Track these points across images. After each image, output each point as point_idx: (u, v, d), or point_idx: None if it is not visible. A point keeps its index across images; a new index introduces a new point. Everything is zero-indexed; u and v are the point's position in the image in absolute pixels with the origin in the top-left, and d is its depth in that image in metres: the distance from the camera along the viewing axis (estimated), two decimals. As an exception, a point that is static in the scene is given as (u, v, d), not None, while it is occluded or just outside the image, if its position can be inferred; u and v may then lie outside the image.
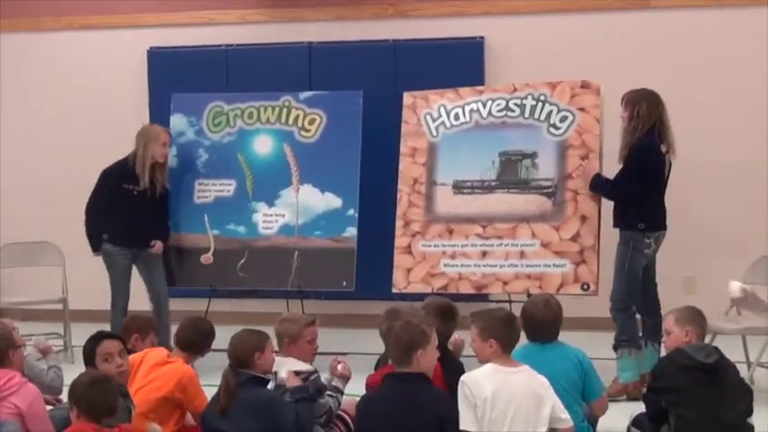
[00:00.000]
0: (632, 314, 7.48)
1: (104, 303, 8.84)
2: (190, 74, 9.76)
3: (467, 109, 8.06)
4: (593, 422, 6.18)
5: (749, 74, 9.16)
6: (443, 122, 8.11)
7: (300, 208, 8.68)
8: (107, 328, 6.04)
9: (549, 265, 7.71)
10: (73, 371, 5.41)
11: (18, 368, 5.38)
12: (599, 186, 7.54)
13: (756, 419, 5.83)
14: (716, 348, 5.97)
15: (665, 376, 5.90)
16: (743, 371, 6.78)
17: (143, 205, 8.24)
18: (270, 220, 8.81)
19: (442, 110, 8.13)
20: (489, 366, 5.30)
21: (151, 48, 10.01)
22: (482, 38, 9.58)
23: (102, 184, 8.39)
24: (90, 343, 5.52)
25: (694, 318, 6.00)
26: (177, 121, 9.22)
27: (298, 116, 9.00)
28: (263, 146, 9.03)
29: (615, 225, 7.51)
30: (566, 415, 5.24)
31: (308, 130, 8.93)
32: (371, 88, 8.78)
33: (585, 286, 7.64)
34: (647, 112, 7.42)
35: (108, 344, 5.49)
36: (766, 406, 6.67)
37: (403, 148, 8.21)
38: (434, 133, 8.13)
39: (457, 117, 8.06)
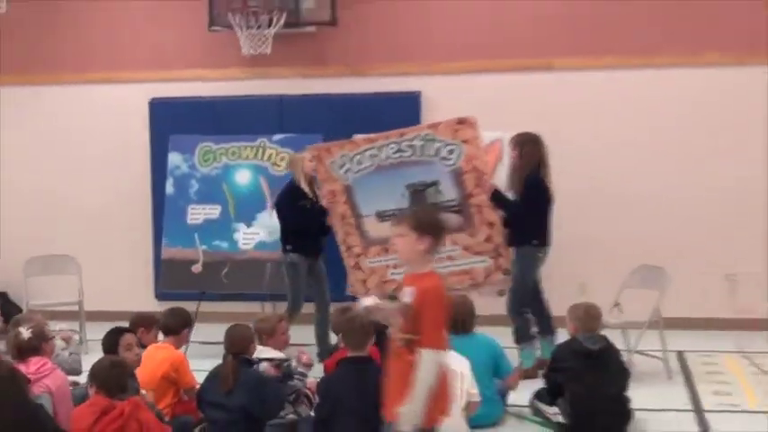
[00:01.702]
0: (527, 316, 7.60)
1: (113, 305, 8.95)
2: (184, 120, 9.70)
3: (366, 155, 7.80)
4: (504, 396, 6.39)
5: (630, 125, 9.24)
6: (349, 168, 7.84)
7: (272, 228, 8.61)
8: (115, 325, 6.05)
9: (474, 262, 7.61)
10: (87, 360, 5.59)
11: (49, 356, 5.50)
12: (501, 201, 7.52)
13: (633, 395, 6.05)
14: (604, 337, 6.24)
15: (561, 359, 6.17)
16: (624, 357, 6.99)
17: (314, 217, 8.00)
18: (248, 237, 8.91)
19: (345, 158, 7.83)
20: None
21: (153, 98, 9.99)
22: (419, 92, 9.59)
23: (285, 210, 8.16)
24: (113, 335, 5.68)
25: (580, 316, 6.23)
26: (174, 158, 9.31)
27: (271, 154, 9.11)
28: (243, 178, 9.13)
29: (510, 244, 7.55)
30: (475, 390, 5.48)
31: (279, 166, 9.03)
32: (330, 132, 8.62)
33: (506, 272, 7.59)
34: (532, 151, 7.55)
35: (129, 336, 5.68)
36: (642, 384, 6.90)
37: (323, 192, 7.98)
38: (344, 177, 7.85)
39: (359, 162, 7.81)
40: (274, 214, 8.34)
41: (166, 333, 6.33)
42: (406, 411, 4.02)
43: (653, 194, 9.19)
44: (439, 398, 4.12)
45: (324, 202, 7.96)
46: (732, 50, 8.99)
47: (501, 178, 8.08)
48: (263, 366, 5.78)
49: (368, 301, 6.45)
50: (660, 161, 9.16)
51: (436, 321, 4.05)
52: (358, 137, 7.98)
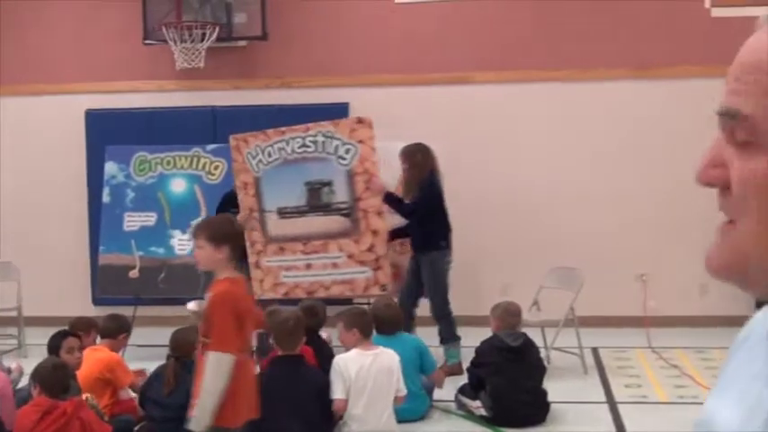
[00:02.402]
0: (451, 317, 7.63)
1: (52, 310, 8.92)
2: (120, 130, 9.64)
3: (275, 147, 7.85)
4: (430, 392, 6.54)
5: (547, 135, 9.40)
6: (261, 160, 7.89)
7: None
8: (55, 330, 6.08)
9: (355, 273, 7.60)
10: (26, 363, 5.65)
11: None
12: (394, 202, 7.56)
13: (552, 389, 6.24)
14: (523, 334, 6.43)
15: (483, 355, 6.33)
16: (542, 353, 7.21)
17: None
18: (183, 243, 8.85)
19: (258, 149, 7.89)
20: (354, 351, 5.61)
21: (89, 110, 9.94)
22: (346, 103, 9.57)
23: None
24: (56, 338, 5.73)
25: (501, 314, 6.42)
26: (110, 167, 9.28)
27: (205, 163, 9.13)
28: (178, 186, 9.13)
29: (417, 250, 7.61)
30: (401, 385, 5.56)
31: (213, 174, 9.07)
32: None
33: (383, 288, 7.54)
34: (423, 160, 7.64)
35: (71, 340, 5.74)
36: (559, 379, 7.10)
37: (237, 182, 8.00)
38: (256, 169, 7.89)
39: (270, 155, 7.86)
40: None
41: (104, 337, 6.38)
42: (195, 411, 4.12)
43: (570, 200, 9.37)
44: (234, 399, 4.18)
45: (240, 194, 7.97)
46: (629, 65, 9.26)
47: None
48: None
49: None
50: (576, 169, 9.34)
51: (224, 325, 4.13)
52: (270, 130, 7.98)
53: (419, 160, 7.66)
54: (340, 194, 7.67)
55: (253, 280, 7.84)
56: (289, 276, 7.87)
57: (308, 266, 7.79)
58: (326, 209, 7.76)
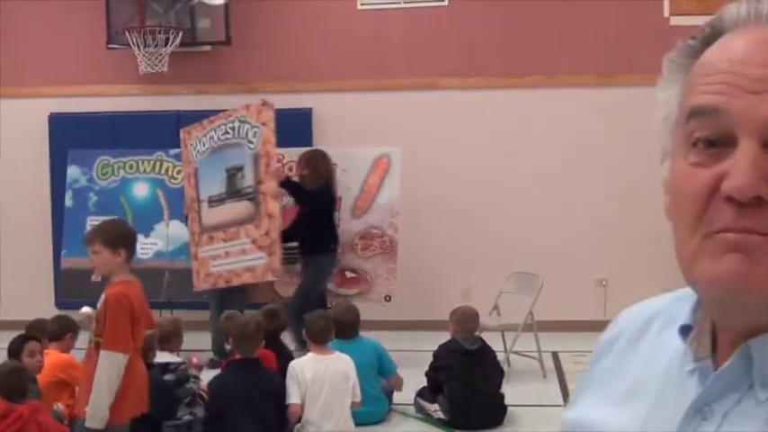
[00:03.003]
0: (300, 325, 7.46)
1: (15, 314, 8.88)
2: (83, 134, 9.59)
3: (207, 136, 7.93)
4: (389, 395, 6.57)
5: (511, 142, 9.45)
6: (198, 150, 7.99)
7: (170, 238, 8.74)
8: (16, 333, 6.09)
9: (256, 259, 7.55)
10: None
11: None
12: (290, 188, 7.73)
13: (511, 392, 6.29)
14: (480, 338, 6.47)
15: (441, 358, 6.36)
16: (502, 357, 7.27)
17: None
18: (146, 247, 8.84)
19: (197, 140, 7.99)
20: (310, 355, 5.64)
21: (52, 113, 9.92)
22: (310, 109, 9.66)
23: None
24: (17, 342, 5.71)
25: (458, 318, 6.47)
26: (73, 171, 9.27)
27: (168, 167, 9.14)
28: (140, 190, 9.14)
29: (305, 254, 7.76)
30: (357, 390, 5.61)
31: (176, 178, 9.05)
32: None
33: (275, 274, 7.54)
34: (323, 166, 7.83)
35: (32, 344, 5.72)
36: (518, 382, 7.16)
37: (183, 174, 8.16)
38: (195, 159, 8.02)
39: (204, 144, 7.94)
40: (172, 225, 8.38)
41: (51, 339, 6.36)
42: (89, 409, 4.21)
43: (531, 207, 9.40)
44: (126, 396, 4.31)
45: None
46: (592, 72, 9.35)
47: (387, 193, 8.30)
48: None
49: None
50: (538, 175, 9.39)
51: (116, 325, 4.24)
52: (207, 119, 8.05)
53: (319, 166, 7.83)
54: (248, 179, 7.68)
55: (193, 272, 7.99)
56: (215, 266, 7.89)
57: (227, 254, 7.79)
58: (239, 194, 7.77)
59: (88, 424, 4.27)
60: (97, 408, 4.24)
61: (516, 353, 7.83)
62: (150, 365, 5.66)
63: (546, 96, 9.40)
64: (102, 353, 4.25)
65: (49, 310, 9.22)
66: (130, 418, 4.45)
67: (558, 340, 8.43)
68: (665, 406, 0.98)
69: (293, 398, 5.41)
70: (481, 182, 9.47)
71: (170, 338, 6.34)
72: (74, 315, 7.77)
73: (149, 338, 5.71)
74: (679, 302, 1.05)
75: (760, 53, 0.90)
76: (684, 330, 1.00)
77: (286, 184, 7.71)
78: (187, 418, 5.76)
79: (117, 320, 4.26)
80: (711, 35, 0.97)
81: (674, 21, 9.11)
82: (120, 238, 4.41)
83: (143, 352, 5.43)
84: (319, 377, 5.49)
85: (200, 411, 5.81)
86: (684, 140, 0.95)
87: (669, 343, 1.03)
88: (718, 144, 0.91)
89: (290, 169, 8.51)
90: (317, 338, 5.75)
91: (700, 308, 1.00)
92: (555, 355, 8.26)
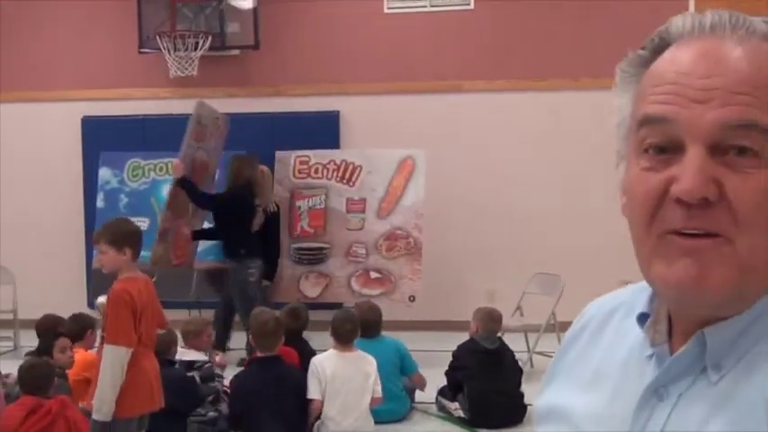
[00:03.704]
0: None
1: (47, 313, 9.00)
2: (114, 136, 9.76)
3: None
4: (411, 393, 6.63)
5: (536, 143, 9.46)
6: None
7: None
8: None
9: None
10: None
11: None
12: (187, 188, 7.79)
13: (531, 391, 6.30)
14: (500, 338, 6.50)
15: (460, 358, 6.40)
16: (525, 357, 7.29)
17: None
18: (176, 248, 8.98)
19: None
20: (332, 351, 5.71)
21: (84, 116, 10.05)
22: (337, 111, 9.77)
23: None
24: (50, 338, 5.83)
25: (482, 317, 6.51)
26: (104, 173, 9.43)
27: (197, 170, 9.25)
28: (170, 192, 9.24)
29: (226, 256, 7.89)
30: (378, 387, 5.67)
31: (204, 180, 9.16)
32: (254, 149, 8.75)
33: (152, 260, 7.87)
34: (238, 170, 7.93)
35: (64, 340, 5.82)
36: (538, 382, 7.13)
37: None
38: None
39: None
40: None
41: (74, 340, 6.44)
42: (95, 401, 4.35)
43: (556, 208, 9.41)
44: (131, 391, 4.40)
45: None
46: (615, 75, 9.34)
47: (412, 195, 8.38)
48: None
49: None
50: (565, 178, 9.40)
51: (118, 320, 4.36)
52: None
53: (241, 172, 7.93)
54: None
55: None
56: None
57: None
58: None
59: (95, 416, 4.42)
60: (102, 401, 4.36)
61: (540, 353, 7.85)
62: (172, 362, 5.81)
63: (570, 99, 9.40)
64: (105, 347, 4.40)
65: (81, 310, 9.35)
66: (140, 413, 4.55)
67: (581, 341, 8.42)
68: (626, 389, 1.06)
69: (314, 393, 5.47)
70: (505, 184, 9.51)
71: (197, 336, 6.46)
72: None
73: (166, 336, 5.81)
74: (640, 293, 1.12)
75: (703, 65, 0.97)
76: (642, 318, 1.08)
77: (181, 182, 7.77)
78: (212, 414, 5.88)
79: (118, 315, 4.38)
80: (660, 45, 1.05)
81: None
82: (125, 237, 4.52)
83: (160, 350, 5.52)
84: (339, 374, 5.56)
85: (224, 408, 5.91)
86: (636, 146, 1.02)
87: (630, 331, 1.11)
88: (668, 150, 0.98)
89: (316, 171, 8.63)
90: (342, 338, 5.82)
91: (656, 298, 1.08)
92: (578, 355, 8.26)
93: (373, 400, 5.66)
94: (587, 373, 1.15)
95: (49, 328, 6.38)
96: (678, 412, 0.99)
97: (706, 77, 0.96)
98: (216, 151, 8.45)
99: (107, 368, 4.37)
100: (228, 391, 6.01)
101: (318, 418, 5.54)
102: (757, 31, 0.99)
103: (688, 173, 0.95)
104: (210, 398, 5.95)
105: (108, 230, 4.61)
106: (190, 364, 6.04)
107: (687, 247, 0.96)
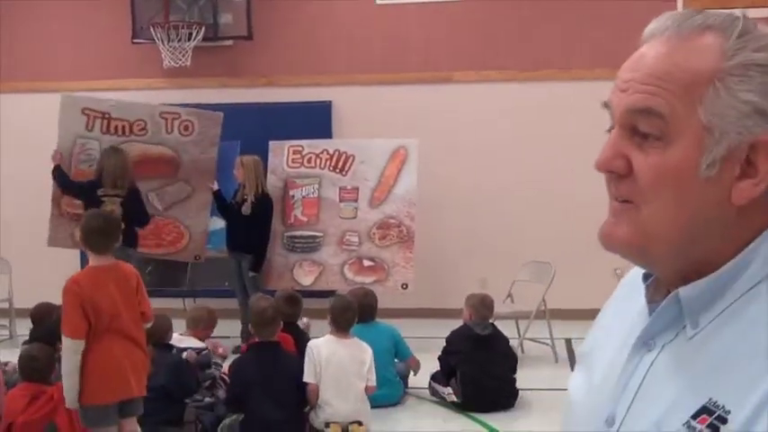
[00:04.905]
0: None
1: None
2: None
3: None
4: (405, 378, 6.74)
5: (525, 133, 9.56)
6: None
7: None
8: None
9: None
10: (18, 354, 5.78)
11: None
12: (57, 177, 8.40)
13: (523, 376, 6.42)
14: (492, 324, 6.61)
15: (453, 343, 6.51)
16: (515, 343, 7.41)
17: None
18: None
19: None
20: (328, 336, 5.81)
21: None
22: (329, 102, 9.84)
23: None
24: (57, 325, 5.88)
25: (474, 304, 6.61)
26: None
27: (190, 158, 9.28)
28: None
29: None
30: (372, 376, 5.77)
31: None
32: (248, 139, 8.89)
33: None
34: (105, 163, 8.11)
35: None
36: (531, 367, 7.29)
37: None
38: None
39: None
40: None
41: None
42: (64, 389, 4.51)
43: (546, 197, 9.51)
44: (94, 378, 4.50)
45: None
46: (608, 65, 9.38)
47: (404, 184, 8.48)
48: (187, 353, 6.10)
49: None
50: (556, 167, 9.46)
51: (66, 312, 4.53)
52: None
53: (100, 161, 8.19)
54: None
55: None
56: None
57: None
58: None
59: (67, 404, 4.58)
60: (66, 389, 4.52)
61: (531, 339, 7.99)
62: (169, 347, 5.92)
63: (561, 89, 9.50)
64: (63, 338, 4.59)
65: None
66: (111, 400, 4.61)
67: (572, 328, 8.48)
68: (630, 339, 1.21)
69: (309, 377, 5.56)
70: (496, 173, 9.61)
71: (198, 324, 6.57)
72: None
73: (161, 322, 5.91)
74: None
75: (631, 62, 1.17)
76: (646, 277, 1.24)
77: (55, 170, 8.30)
78: (209, 400, 5.99)
79: (65, 306, 4.57)
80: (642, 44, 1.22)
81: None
82: (85, 232, 4.78)
83: (154, 334, 5.66)
84: (334, 359, 5.65)
85: (221, 394, 6.02)
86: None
87: (641, 293, 1.27)
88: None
89: (309, 161, 8.72)
90: (340, 325, 5.91)
91: None
92: (568, 341, 8.37)
93: (367, 388, 5.74)
94: (615, 324, 1.31)
95: (44, 316, 6.55)
96: (660, 361, 1.16)
97: (629, 71, 1.16)
98: (196, 145, 8.52)
99: (63, 358, 4.55)
100: (225, 377, 6.12)
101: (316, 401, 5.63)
102: (709, 27, 1.14)
103: (603, 148, 1.15)
104: (207, 383, 6.05)
105: (80, 225, 4.92)
106: (184, 351, 6.13)
107: (612, 210, 1.17)
